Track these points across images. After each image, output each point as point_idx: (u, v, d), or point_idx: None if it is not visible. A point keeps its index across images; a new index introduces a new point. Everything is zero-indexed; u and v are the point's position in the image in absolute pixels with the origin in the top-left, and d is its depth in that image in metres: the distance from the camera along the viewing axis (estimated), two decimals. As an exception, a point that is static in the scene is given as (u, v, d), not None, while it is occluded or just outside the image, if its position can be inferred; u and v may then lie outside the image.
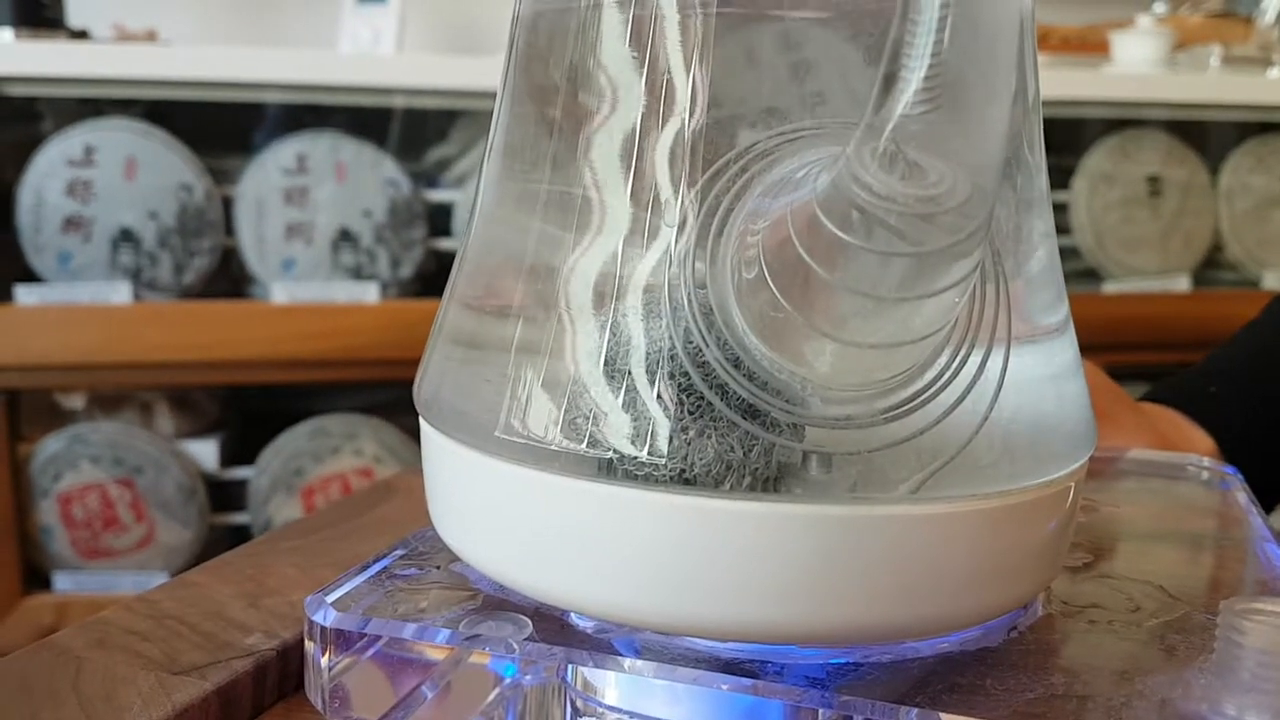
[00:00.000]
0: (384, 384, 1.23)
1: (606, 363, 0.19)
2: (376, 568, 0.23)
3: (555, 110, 0.21)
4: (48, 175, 1.03)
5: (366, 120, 1.13)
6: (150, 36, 1.31)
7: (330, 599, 0.21)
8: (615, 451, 0.19)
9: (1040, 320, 0.21)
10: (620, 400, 0.19)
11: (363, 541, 0.29)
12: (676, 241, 0.19)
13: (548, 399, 0.20)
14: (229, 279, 1.12)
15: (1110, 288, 1.21)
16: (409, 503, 0.29)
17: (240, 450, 1.15)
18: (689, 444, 0.19)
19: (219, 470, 1.13)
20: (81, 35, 1.23)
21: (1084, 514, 0.28)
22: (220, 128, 1.12)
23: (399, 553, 0.24)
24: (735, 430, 0.18)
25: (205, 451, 1.13)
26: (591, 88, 0.20)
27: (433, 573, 0.23)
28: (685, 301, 0.18)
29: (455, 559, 0.22)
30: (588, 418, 0.19)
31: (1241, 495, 0.29)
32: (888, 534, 0.18)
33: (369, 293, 1.10)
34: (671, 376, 0.19)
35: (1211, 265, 1.26)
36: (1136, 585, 0.23)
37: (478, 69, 1.11)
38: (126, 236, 1.05)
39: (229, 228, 1.08)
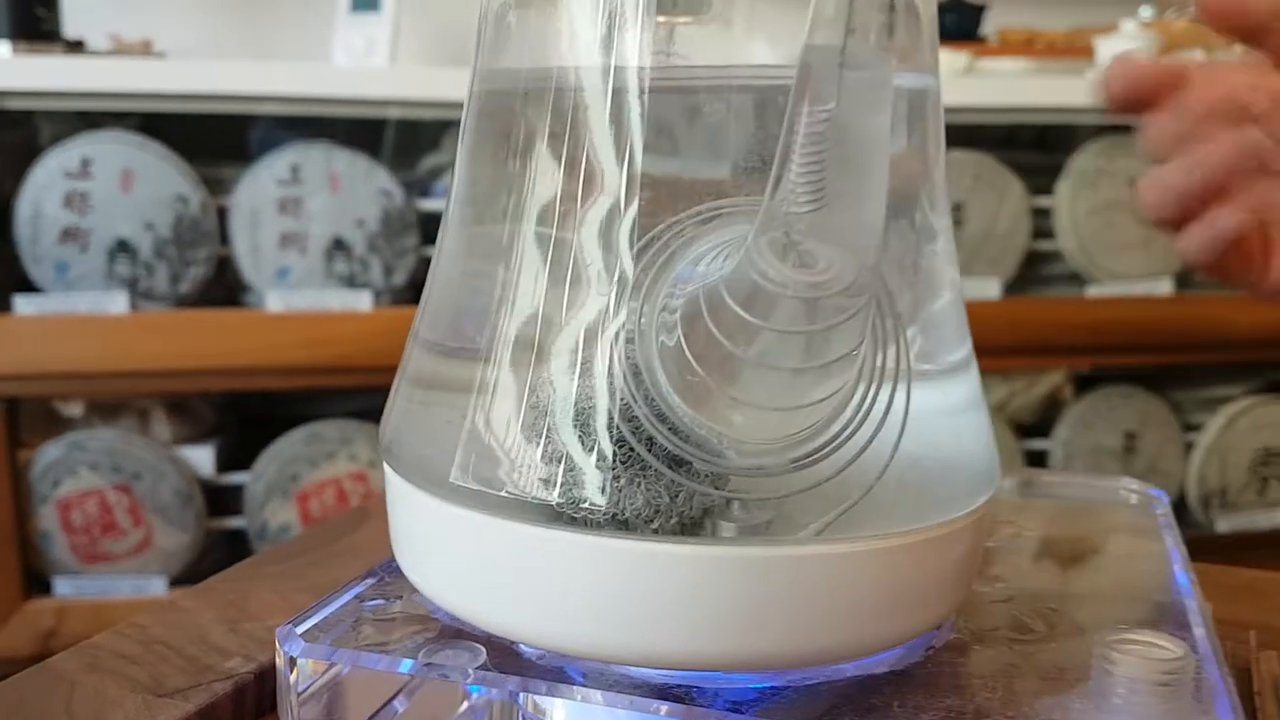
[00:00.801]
0: (377, 390, 1.25)
1: (548, 416, 0.21)
2: (345, 598, 0.25)
3: (506, 178, 0.23)
4: (45, 187, 1.05)
5: (359, 131, 1.15)
6: (146, 46, 1.33)
7: (300, 630, 0.23)
8: (556, 498, 0.21)
9: (943, 359, 0.23)
10: (560, 451, 0.21)
11: (338, 567, 0.31)
12: (610, 309, 0.20)
13: (496, 449, 0.22)
14: (224, 288, 1.14)
15: (1094, 291, 1.23)
16: (382, 528, 0.31)
17: (236, 456, 1.18)
18: (621, 491, 0.20)
19: (215, 475, 1.15)
20: (77, 46, 1.25)
21: (1009, 538, 0.30)
22: (215, 139, 1.14)
23: (368, 582, 0.26)
24: (662, 479, 0.20)
25: (202, 457, 1.15)
26: (538, 163, 0.22)
27: (396, 603, 0.24)
28: (617, 363, 0.20)
29: (416, 590, 0.24)
30: (531, 467, 0.21)
31: (1163, 519, 0.31)
32: (797, 572, 0.20)
33: (362, 301, 1.12)
34: (606, 430, 0.20)
35: (1194, 268, 1.27)
36: (1043, 609, 0.24)
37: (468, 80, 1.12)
38: (123, 247, 1.07)
39: (224, 237, 1.10)
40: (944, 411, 0.23)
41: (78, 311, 1.06)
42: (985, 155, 1.21)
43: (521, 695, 0.23)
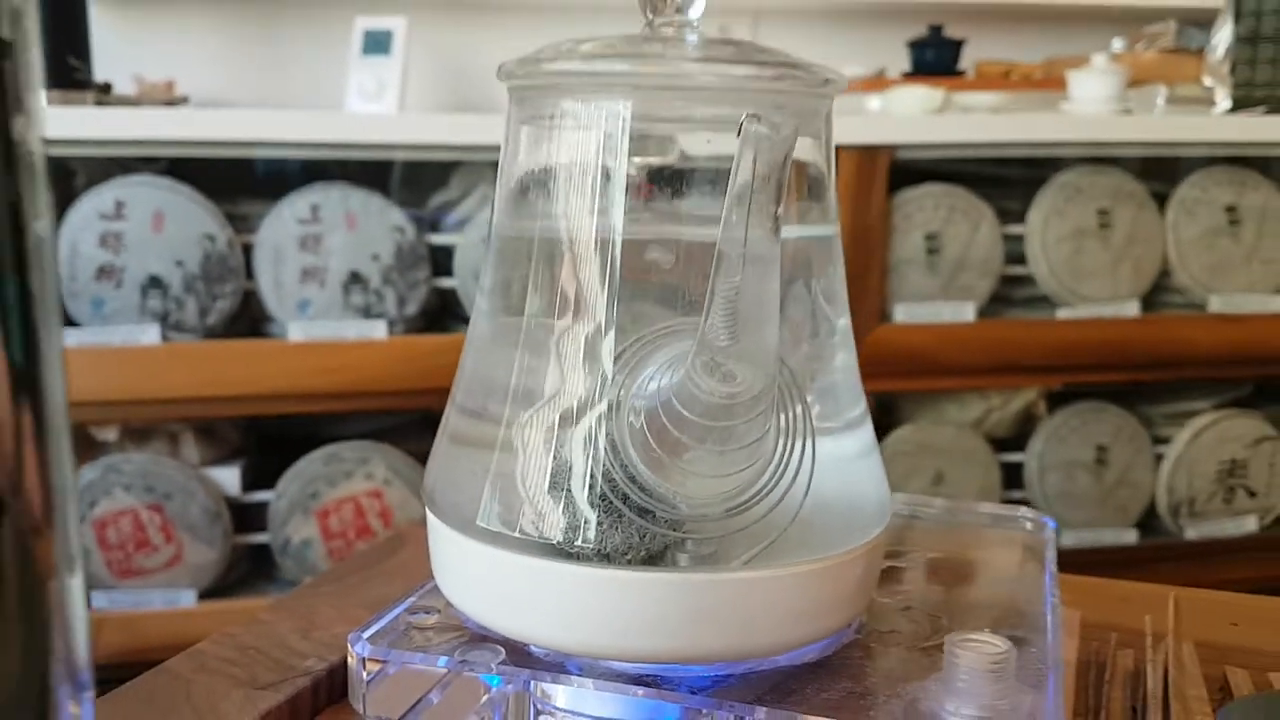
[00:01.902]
0: (392, 412, 1.33)
1: (551, 477, 0.29)
2: (396, 611, 0.32)
3: (523, 292, 0.30)
4: (81, 229, 1.13)
5: (374, 172, 1.22)
6: (169, 88, 1.41)
7: (365, 635, 0.31)
8: (557, 538, 0.28)
9: (841, 418, 0.31)
10: (560, 503, 0.28)
11: (383, 586, 0.39)
12: (595, 399, 0.28)
13: (512, 500, 0.29)
14: (249, 320, 1.22)
15: (1064, 313, 1.30)
16: (417, 552, 0.38)
17: (260, 476, 1.25)
18: (604, 533, 0.28)
19: (241, 494, 1.23)
20: (106, 89, 1.33)
21: (916, 558, 0.37)
22: (240, 181, 1.22)
23: (412, 599, 0.33)
24: (634, 524, 0.28)
25: (228, 477, 1.22)
26: (546, 290, 0.29)
27: (435, 615, 0.32)
28: (600, 439, 0.28)
29: (451, 605, 0.32)
30: (538, 514, 0.29)
31: (1049, 543, 0.38)
32: (734, 591, 0.28)
33: (378, 330, 1.20)
34: (592, 488, 0.28)
35: (1160, 290, 1.35)
36: (929, 615, 0.32)
37: (475, 125, 1.20)
38: (155, 283, 1.15)
39: (249, 273, 1.18)
40: (843, 460, 0.31)
41: (112, 344, 1.14)
42: (959, 187, 1.28)
43: (532, 684, 0.30)
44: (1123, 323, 1.31)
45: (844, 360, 0.31)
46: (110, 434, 1.22)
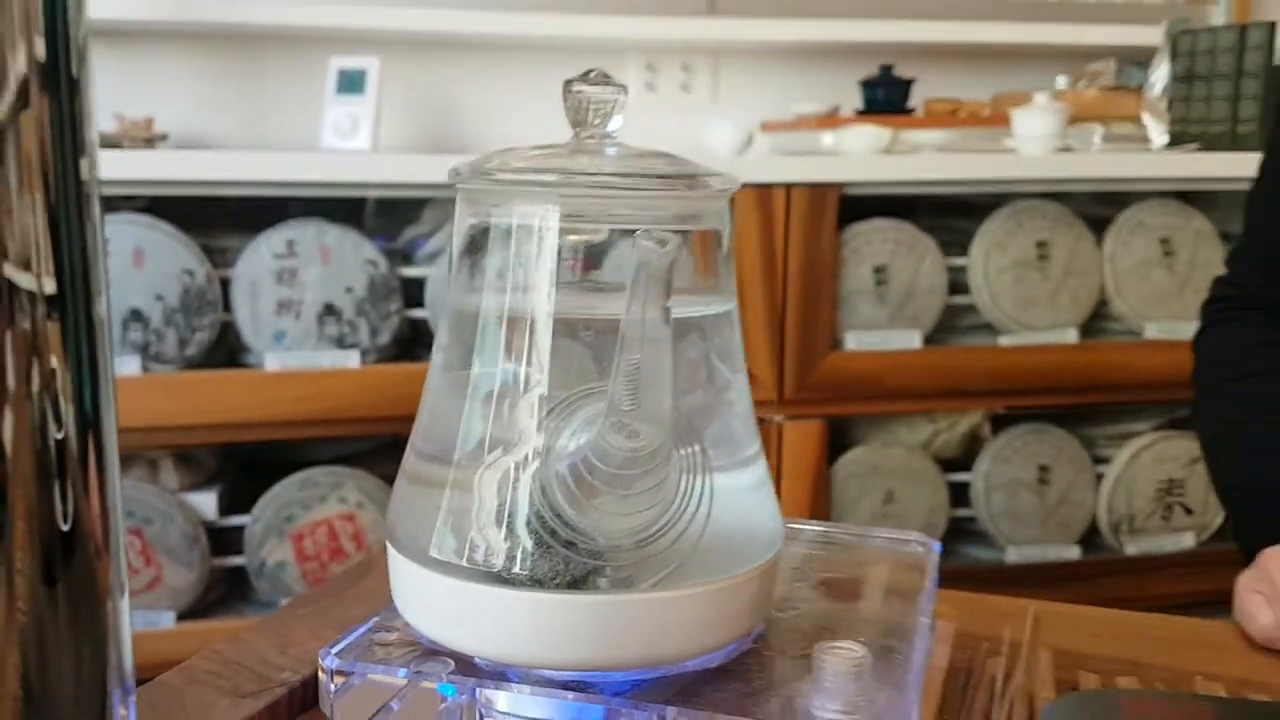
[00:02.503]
0: (365, 439, 1.37)
1: (494, 514, 0.34)
2: (361, 630, 0.38)
3: (471, 354, 0.36)
4: (65, 263, 1.17)
5: (347, 208, 1.28)
6: (148, 124, 1.46)
7: (334, 650, 0.36)
8: (496, 567, 0.34)
9: (739, 455, 0.37)
10: (501, 536, 0.34)
11: (351, 608, 0.44)
12: (530, 449, 0.34)
13: (460, 535, 0.35)
14: (227, 350, 1.26)
15: (1005, 340, 1.37)
16: (382, 578, 0.43)
17: (237, 500, 1.29)
18: (535, 562, 0.33)
19: (218, 518, 1.27)
20: (87, 126, 1.37)
21: (813, 577, 0.43)
22: (218, 217, 1.27)
23: (375, 620, 0.39)
24: (560, 554, 0.33)
25: (206, 502, 1.26)
26: (489, 354, 0.35)
27: (395, 633, 0.37)
28: (533, 483, 0.33)
29: (408, 624, 0.37)
30: (481, 547, 0.34)
31: (931, 563, 0.44)
32: (646, 609, 0.33)
33: (351, 359, 1.25)
34: (527, 524, 0.34)
35: (1098, 318, 1.42)
36: (818, 627, 0.38)
37: (444, 165, 1.26)
38: (136, 316, 1.19)
39: (227, 305, 1.23)
40: (739, 493, 0.36)
41: (94, 374, 1.18)
42: (905, 222, 1.35)
43: (477, 691, 0.36)
44: (1062, 349, 1.38)
45: (740, 409, 0.37)
46: (90, 461, 1.26)
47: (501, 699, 0.35)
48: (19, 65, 0.25)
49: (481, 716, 0.36)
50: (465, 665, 0.36)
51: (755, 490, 0.37)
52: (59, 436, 0.24)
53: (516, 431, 0.34)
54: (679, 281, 0.35)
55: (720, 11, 1.65)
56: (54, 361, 0.24)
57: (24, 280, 0.24)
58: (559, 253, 0.34)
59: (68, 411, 0.24)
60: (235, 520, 1.28)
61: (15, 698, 0.23)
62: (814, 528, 0.49)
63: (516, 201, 0.34)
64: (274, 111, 1.60)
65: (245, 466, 1.34)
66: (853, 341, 1.35)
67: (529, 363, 0.34)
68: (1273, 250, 0.64)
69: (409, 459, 0.38)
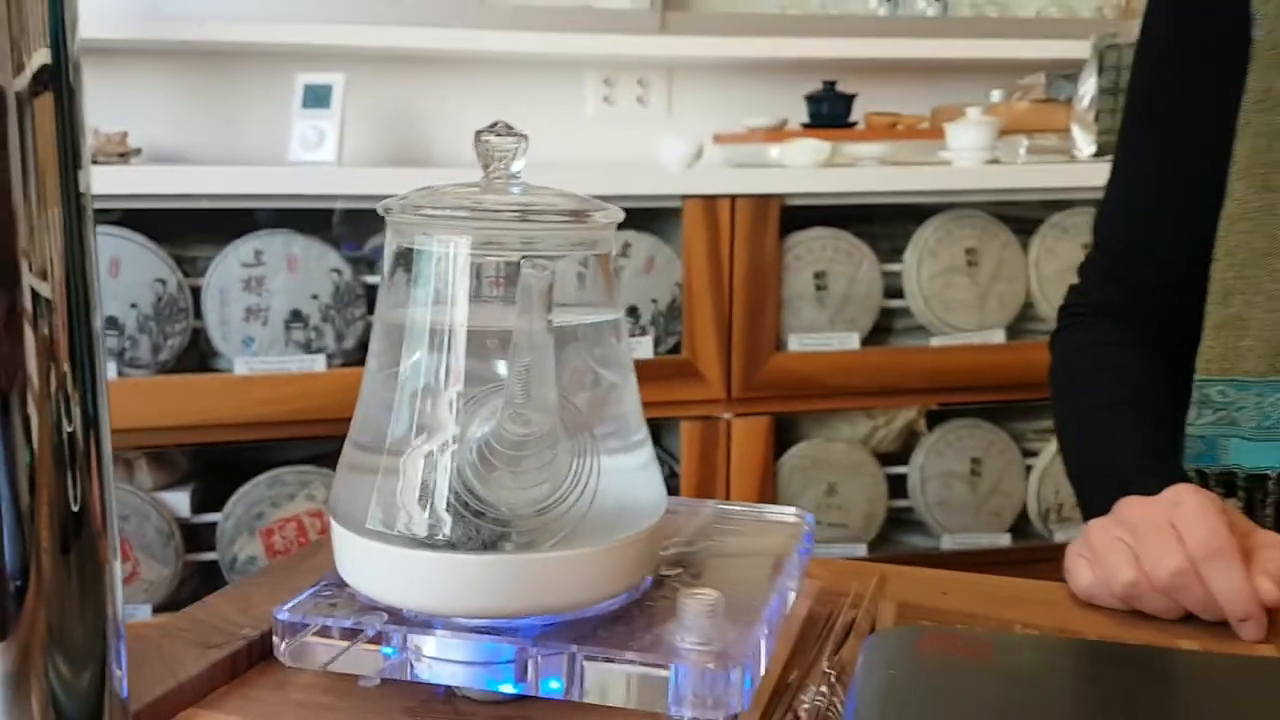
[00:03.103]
0: (331, 439, 1.44)
1: (418, 490, 0.41)
2: (309, 591, 0.45)
3: (399, 355, 0.43)
4: (42, 274, 1.23)
5: (314, 219, 1.34)
6: (123, 139, 1.51)
7: (286, 608, 0.43)
8: (420, 534, 0.41)
9: (627, 440, 0.44)
10: (424, 509, 0.41)
11: (304, 578, 0.51)
12: (449, 434, 0.41)
13: (390, 508, 0.42)
14: (198, 355, 1.33)
15: (937, 341, 1.46)
16: (331, 554, 0.50)
17: (209, 499, 1.35)
18: (453, 529, 0.41)
19: (191, 516, 1.33)
20: (61, 140, 1.43)
21: (703, 542, 0.50)
22: (189, 228, 1.33)
23: (322, 584, 0.46)
24: (473, 523, 0.41)
25: (179, 501, 1.32)
26: (414, 356, 0.42)
27: (340, 594, 0.44)
28: (451, 463, 0.41)
29: (349, 586, 0.44)
30: (408, 517, 0.41)
31: (804, 532, 0.52)
32: (544, 567, 0.41)
33: (317, 363, 1.31)
34: (444, 498, 0.41)
35: (1024, 320, 1.51)
36: (697, 581, 0.45)
37: (406, 177, 1.33)
38: (111, 324, 1.25)
39: (198, 313, 1.29)
40: (627, 471, 0.44)
41: (70, 379, 1.24)
42: (843, 231, 1.44)
43: (408, 638, 0.43)
44: (990, 349, 1.47)
45: (629, 402, 0.44)
46: (67, 463, 1.31)
47: (429, 644, 0.43)
48: (29, 81, 0.28)
49: (413, 666, 0.43)
50: (397, 617, 0.43)
51: (641, 470, 0.45)
52: (70, 431, 0.30)
53: (435, 422, 0.41)
54: (574, 297, 0.42)
55: (672, 30, 1.72)
56: (65, 365, 0.30)
57: (44, 289, 0.29)
58: (470, 274, 0.41)
59: (75, 410, 0.30)
60: (207, 518, 1.34)
61: (43, 641, 0.29)
62: (713, 505, 0.56)
63: (435, 232, 0.41)
64: (244, 125, 1.66)
65: (217, 466, 1.40)
66: (795, 343, 1.43)
67: (446, 365, 0.41)
68: (1114, 262, 0.73)
69: (347, 449, 0.45)
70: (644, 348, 1.40)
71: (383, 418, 0.43)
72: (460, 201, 0.41)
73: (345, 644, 0.42)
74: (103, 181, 1.25)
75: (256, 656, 0.45)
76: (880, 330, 1.48)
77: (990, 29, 1.82)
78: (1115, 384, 0.68)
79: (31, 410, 0.28)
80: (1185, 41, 0.67)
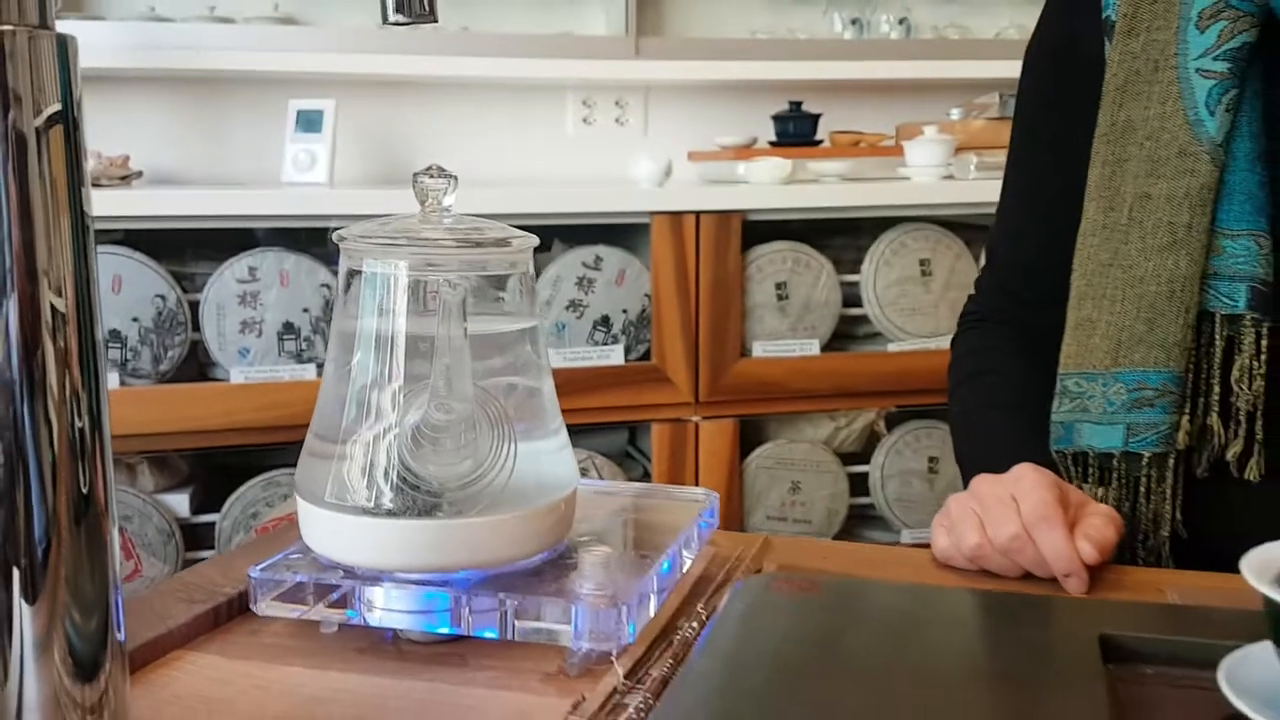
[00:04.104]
0: (322, 443, 1.53)
1: (365, 469, 0.50)
2: (279, 556, 0.53)
3: (351, 355, 0.52)
4: (51, 291, 1.32)
5: (306, 237, 1.43)
6: (125, 162, 1.61)
7: (259, 567, 0.52)
8: (368, 504, 0.50)
9: (545, 428, 0.53)
10: (369, 483, 0.50)
11: (277, 549, 0.60)
12: (390, 421, 0.50)
13: (343, 482, 0.51)
14: (197, 366, 1.42)
15: (894, 347, 1.55)
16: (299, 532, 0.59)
17: (207, 500, 1.44)
18: (394, 500, 0.50)
19: (190, 516, 1.42)
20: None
21: (617, 514, 0.59)
22: (187, 247, 1.42)
23: (290, 549, 0.54)
24: (410, 494, 0.50)
25: (179, 502, 1.41)
26: (362, 357, 0.51)
27: (304, 558, 0.53)
28: (391, 445, 0.50)
29: (313, 552, 0.53)
30: (358, 491, 0.50)
31: (706, 509, 0.60)
32: (471, 530, 0.49)
33: (309, 372, 1.40)
34: (385, 476, 0.50)
35: (977, 326, 1.60)
36: (605, 543, 0.54)
37: (395, 198, 1.42)
38: (115, 336, 1.34)
39: (196, 326, 1.38)
40: (543, 454, 0.53)
41: (78, 388, 1.33)
42: (802, 244, 1.53)
43: (360, 591, 0.51)
44: (945, 354, 1.53)
45: (546, 395, 0.53)
46: (75, 467, 1.40)
47: (378, 595, 0.51)
48: (44, 121, 0.33)
49: (365, 618, 0.52)
50: (351, 574, 0.51)
51: (556, 452, 0.54)
52: (80, 427, 0.37)
53: (378, 412, 0.50)
54: (496, 309, 0.51)
55: (645, 55, 1.82)
56: (77, 371, 0.37)
57: (59, 304, 0.37)
58: (406, 291, 0.50)
59: (84, 410, 0.37)
60: (206, 518, 1.42)
61: (63, 596, 0.37)
62: (633, 487, 0.65)
63: (378, 257, 0.50)
64: (239, 149, 1.76)
65: (214, 469, 1.49)
66: (759, 349, 1.51)
67: (386, 366, 0.50)
68: (1000, 276, 0.81)
69: (309, 438, 0.54)
70: (616, 355, 1.49)
71: (336, 410, 0.52)
72: (399, 232, 0.50)
73: (309, 597, 0.51)
74: (107, 204, 1.34)
75: (236, 610, 0.54)
76: (840, 337, 1.57)
77: (951, 50, 1.91)
78: (997, 385, 0.77)
79: (52, 412, 0.36)
80: (1056, 82, 0.76)
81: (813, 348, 1.52)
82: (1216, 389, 0.66)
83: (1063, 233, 0.73)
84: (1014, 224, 0.81)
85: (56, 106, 0.36)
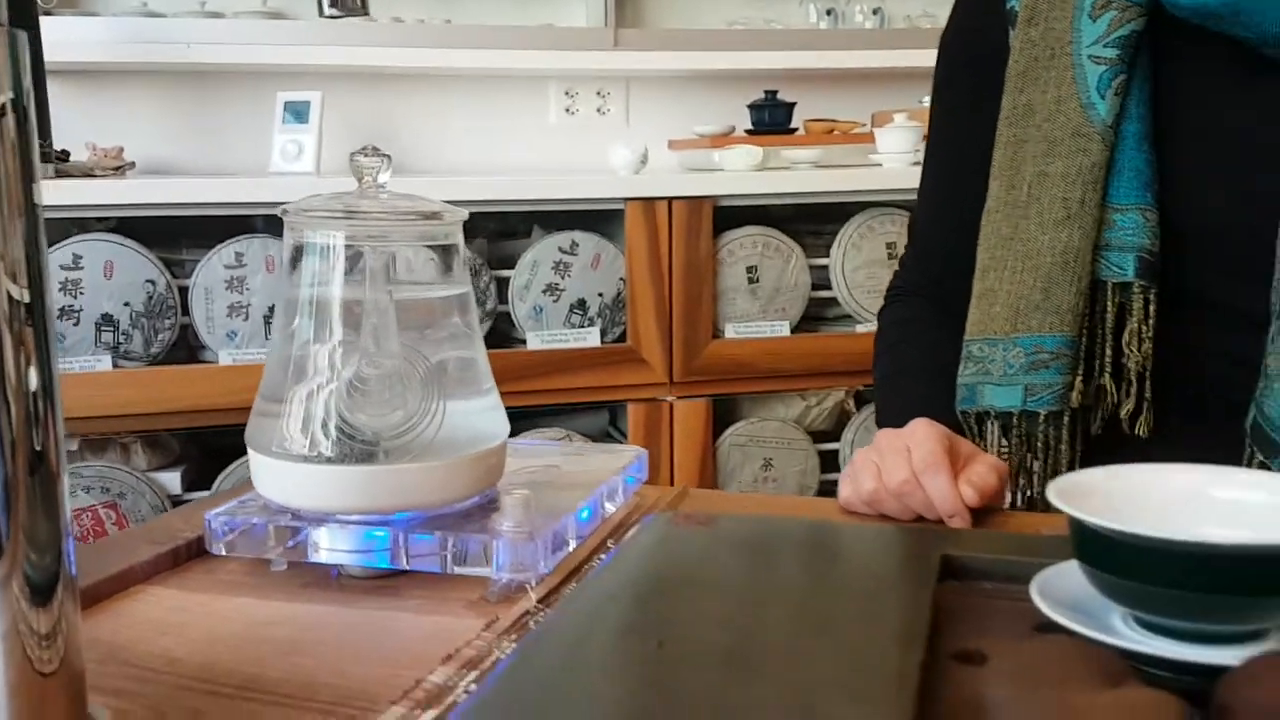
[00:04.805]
0: (309, 423, 1.59)
1: (305, 421, 0.55)
2: (234, 501, 0.59)
3: (293, 320, 0.57)
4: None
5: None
6: (118, 153, 1.66)
7: (214, 511, 0.57)
8: (311, 452, 0.55)
9: (477, 388, 0.58)
10: (314, 432, 0.55)
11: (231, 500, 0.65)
12: (328, 377, 0.55)
13: (290, 433, 0.56)
14: (186, 348, 1.47)
15: (861, 328, 1.59)
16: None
17: (198, 478, 1.50)
18: (334, 448, 0.55)
19: (182, 493, 1.47)
20: (64, 155, 1.58)
21: (547, 467, 0.64)
22: (176, 234, 1.47)
23: (244, 495, 0.60)
24: (347, 443, 0.55)
25: (171, 480, 1.47)
26: (304, 323, 0.56)
27: (257, 503, 0.58)
28: (329, 399, 0.55)
29: (262, 496, 0.58)
30: (303, 442, 0.55)
31: (632, 463, 0.65)
32: (406, 475, 0.55)
33: (294, 354, 1.45)
34: (325, 424, 0.55)
35: (945, 307, 1.64)
36: (530, 491, 0.59)
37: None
38: (107, 320, 1.40)
39: (185, 310, 1.43)
40: (474, 410, 0.58)
41: (73, 370, 1.39)
42: (772, 229, 1.57)
43: (306, 532, 0.57)
44: (912, 334, 1.60)
45: (478, 357, 0.58)
46: (72, 445, 1.46)
47: (323, 535, 0.57)
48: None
49: (310, 551, 0.57)
50: (298, 517, 0.57)
51: (487, 410, 0.59)
52: (33, 392, 0.42)
53: (317, 370, 0.55)
54: (429, 277, 0.56)
55: (624, 46, 1.86)
56: (31, 347, 0.41)
57: (14, 290, 0.42)
58: (342, 260, 0.55)
59: (36, 380, 0.42)
60: (197, 495, 1.48)
61: (21, 540, 0.42)
62: (576, 445, 0.70)
63: (321, 229, 0.55)
64: (229, 139, 1.81)
65: (205, 448, 1.55)
66: (731, 331, 1.56)
67: (327, 328, 0.55)
68: (920, 252, 0.86)
69: (258, 399, 0.59)
70: (592, 337, 1.54)
71: (281, 370, 0.57)
72: (335, 207, 0.55)
73: (260, 537, 0.57)
74: (100, 193, 1.40)
75: (195, 552, 0.59)
76: (810, 319, 1.61)
77: (924, 40, 1.95)
78: (913, 353, 0.82)
79: (10, 387, 0.40)
80: (967, 69, 0.81)
81: (783, 329, 1.57)
82: (1109, 352, 0.71)
83: (975, 213, 0.78)
84: (932, 205, 0.85)
85: (9, 95, 0.40)
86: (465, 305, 0.58)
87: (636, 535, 0.53)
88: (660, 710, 0.34)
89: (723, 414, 1.61)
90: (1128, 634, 0.37)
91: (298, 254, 0.56)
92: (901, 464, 0.61)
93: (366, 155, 0.56)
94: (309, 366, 0.55)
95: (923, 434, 0.62)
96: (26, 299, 0.41)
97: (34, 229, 0.41)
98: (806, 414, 1.63)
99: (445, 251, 0.57)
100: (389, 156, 0.56)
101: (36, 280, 0.42)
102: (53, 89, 1.63)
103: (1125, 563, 0.36)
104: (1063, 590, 0.40)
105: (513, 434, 0.61)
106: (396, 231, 0.55)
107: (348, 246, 0.54)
